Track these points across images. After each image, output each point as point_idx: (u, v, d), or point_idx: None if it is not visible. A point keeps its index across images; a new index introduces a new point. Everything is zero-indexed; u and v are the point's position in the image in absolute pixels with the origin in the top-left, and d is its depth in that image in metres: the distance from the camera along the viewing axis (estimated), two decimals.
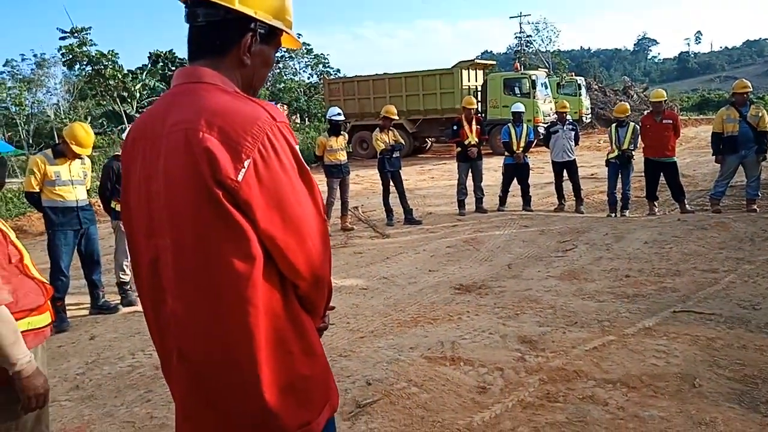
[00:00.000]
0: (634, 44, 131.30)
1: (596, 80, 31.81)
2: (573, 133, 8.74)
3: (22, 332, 1.85)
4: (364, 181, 13.34)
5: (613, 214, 8.25)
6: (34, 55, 34.64)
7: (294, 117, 35.89)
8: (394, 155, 8.31)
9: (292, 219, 1.20)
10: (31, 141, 28.17)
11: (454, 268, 5.95)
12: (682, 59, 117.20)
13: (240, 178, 1.14)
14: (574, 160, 8.81)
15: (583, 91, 23.46)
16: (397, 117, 8.62)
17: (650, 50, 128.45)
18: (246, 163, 1.14)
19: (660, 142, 7.89)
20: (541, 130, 15.96)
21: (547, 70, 25.86)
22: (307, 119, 36.53)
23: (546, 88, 19.23)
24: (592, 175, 12.13)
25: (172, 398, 1.35)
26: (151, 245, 1.25)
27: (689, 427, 2.72)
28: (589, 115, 24.25)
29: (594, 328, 4.02)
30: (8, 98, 28.96)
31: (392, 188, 8.36)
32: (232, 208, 1.15)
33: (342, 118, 8.31)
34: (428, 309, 4.66)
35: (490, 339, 3.96)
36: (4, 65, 36.50)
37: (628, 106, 8.71)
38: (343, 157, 8.06)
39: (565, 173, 8.83)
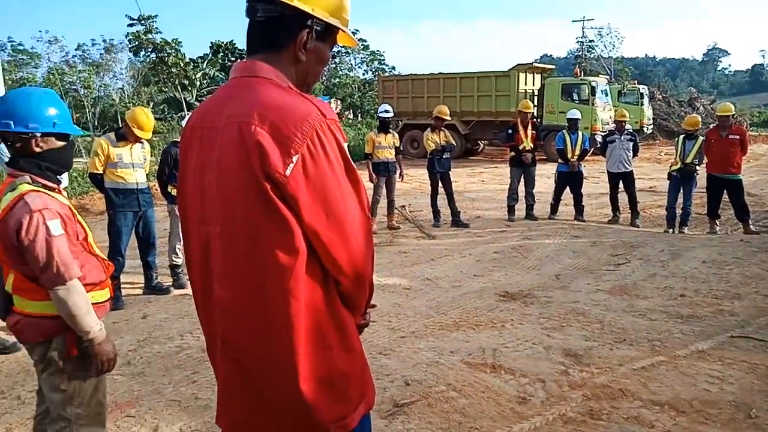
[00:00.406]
0: (704, 54, 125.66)
1: (660, 90, 30.62)
2: (631, 143, 8.44)
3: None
4: (413, 180, 13.30)
5: (671, 230, 7.93)
6: (104, 41, 36.40)
7: (347, 113, 36.22)
8: (444, 156, 8.24)
9: (336, 215, 1.21)
10: (96, 123, 29.46)
11: (499, 274, 5.86)
12: (755, 72, 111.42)
13: (288, 172, 1.16)
14: (631, 171, 8.51)
15: (646, 100, 22.65)
16: (449, 117, 8.55)
17: (720, 61, 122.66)
18: (294, 158, 1.16)
19: (725, 158, 7.54)
20: (598, 139, 15.58)
21: (608, 77, 25.12)
22: (359, 115, 36.81)
23: (606, 95, 18.68)
24: (651, 188, 11.71)
25: (216, 381, 1.38)
26: (202, 232, 1.29)
27: None
28: (651, 126, 23.40)
29: (643, 347, 3.87)
30: (78, 81, 30.42)
31: (441, 189, 8.31)
32: (279, 202, 1.17)
33: (390, 115, 8.25)
34: (471, 314, 4.61)
35: (533, 349, 3.88)
36: (76, 49, 38.43)
37: (700, 119, 8.35)
38: (390, 155, 8.04)
39: (621, 185, 8.55)
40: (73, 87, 30.42)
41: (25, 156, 2.01)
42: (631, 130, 8.86)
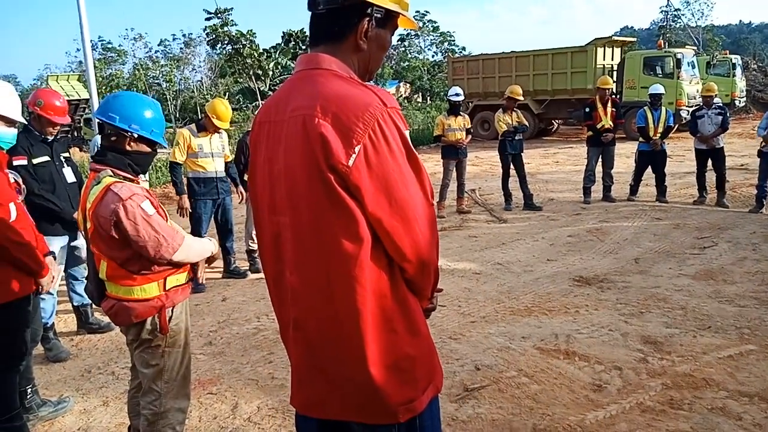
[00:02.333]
0: None
1: (756, 59, 28.28)
2: (721, 118, 7.86)
3: (172, 288, 2.23)
4: (484, 162, 13.09)
5: (763, 211, 7.36)
6: (183, 35, 38.12)
7: (416, 96, 35.99)
8: (516, 137, 8.04)
9: (399, 203, 1.22)
10: (177, 115, 30.92)
11: (574, 258, 5.69)
12: None
13: (351, 163, 1.18)
14: (722, 148, 7.92)
15: (738, 71, 20.99)
16: (522, 98, 8.30)
17: None
18: (357, 149, 1.18)
19: None
20: (684, 114, 14.62)
21: (695, 48, 23.43)
22: (429, 98, 36.51)
23: (693, 67, 17.44)
24: (742, 165, 10.90)
25: (290, 362, 1.45)
26: (273, 221, 1.34)
27: None
28: (744, 99, 21.68)
29: (731, 335, 3.66)
30: (160, 75, 32.03)
31: (512, 171, 8.13)
32: (343, 192, 1.19)
33: (461, 98, 8.10)
34: (544, 299, 4.52)
35: (609, 336, 3.76)
36: (158, 45, 40.42)
37: None
38: (461, 137, 7.93)
39: (709, 163, 8.00)
40: (156, 81, 32.07)
41: (114, 151, 2.18)
42: (720, 104, 8.24)
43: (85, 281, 2.76)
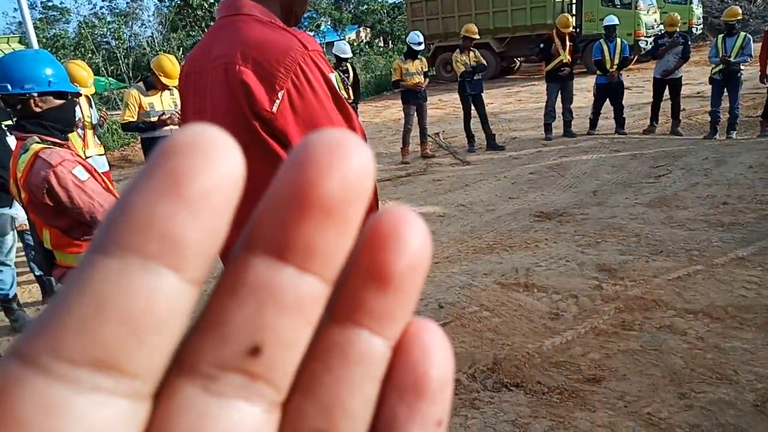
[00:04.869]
0: None
1: None
2: (681, 47, 7.86)
3: None
4: (447, 105, 13.04)
5: (716, 136, 7.56)
6: None
7: (377, 40, 35.19)
8: (475, 77, 8.00)
9: None
10: (131, 74, 29.63)
11: (535, 195, 5.81)
12: None
13: (275, 109, 1.18)
14: (680, 78, 8.00)
15: None
16: (477, 36, 8.19)
17: None
18: (280, 94, 1.18)
19: None
20: (643, 45, 14.66)
21: None
22: (390, 42, 35.72)
23: None
24: (699, 93, 11.10)
25: None
26: None
27: None
28: (701, 26, 21.80)
29: (680, 258, 3.83)
30: (108, 33, 30.50)
31: (474, 113, 8.13)
32: (269, 139, 1.20)
33: (422, 47, 7.92)
34: (505, 236, 4.63)
35: (566, 266, 3.90)
36: (103, 0, 38.24)
37: (740, 10, 7.67)
38: (420, 80, 7.84)
39: (666, 92, 8.10)
40: (105, 39, 30.55)
41: (27, 117, 2.09)
42: (680, 33, 8.22)
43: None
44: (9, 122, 3.85)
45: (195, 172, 0.15)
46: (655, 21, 16.08)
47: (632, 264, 3.82)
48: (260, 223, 0.17)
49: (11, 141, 3.74)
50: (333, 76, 1.26)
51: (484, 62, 8.28)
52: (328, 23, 35.97)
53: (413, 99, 7.84)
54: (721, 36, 7.47)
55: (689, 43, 8.02)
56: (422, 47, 7.91)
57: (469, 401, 2.61)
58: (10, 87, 2.04)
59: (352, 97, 7.71)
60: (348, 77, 7.59)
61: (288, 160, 0.17)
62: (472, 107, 8.09)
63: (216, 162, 0.15)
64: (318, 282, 0.16)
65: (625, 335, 2.98)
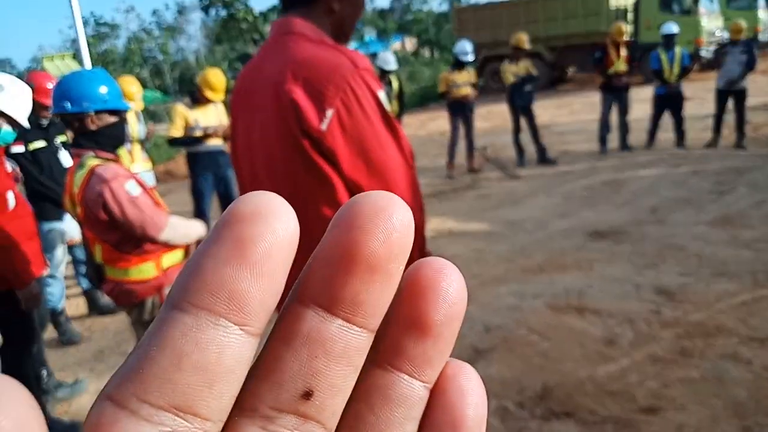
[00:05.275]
0: None
1: None
2: (746, 56, 7.45)
3: (170, 267, 2.25)
4: (496, 117, 12.85)
5: None
6: (176, 3, 37.49)
7: (422, 50, 35.19)
8: (525, 88, 7.83)
9: (376, 165, 1.21)
10: (177, 88, 30.62)
11: (589, 212, 5.61)
12: None
13: (324, 127, 1.17)
14: (745, 88, 7.54)
15: (762, 2, 20.02)
16: (527, 46, 8.04)
17: None
18: (329, 113, 1.17)
19: None
20: (704, 54, 14.05)
21: None
22: (437, 52, 35.67)
23: (711, 2, 16.69)
24: (765, 104, 10.52)
25: None
26: (255, 190, 1.34)
27: None
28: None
29: (745, 281, 3.60)
30: (156, 47, 31.74)
31: (524, 125, 7.96)
32: (318, 157, 1.19)
33: (471, 59, 7.82)
34: (556, 256, 4.48)
35: (622, 289, 3.73)
36: (152, 15, 39.92)
37: None
38: (467, 92, 7.73)
39: (730, 104, 7.69)
40: (152, 54, 31.81)
41: (84, 134, 2.17)
42: (744, 41, 7.80)
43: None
44: (63, 137, 4.01)
45: (257, 237, 0.17)
46: (718, 28, 15.39)
47: (693, 287, 3.61)
48: (311, 278, 0.19)
49: (63, 156, 3.89)
50: (382, 94, 1.24)
51: (535, 72, 8.11)
52: (373, 33, 36.29)
53: (460, 111, 7.75)
54: None
55: (755, 50, 7.59)
56: (471, 58, 7.80)
57: (516, 430, 2.51)
58: (69, 106, 2.13)
59: (397, 110, 7.70)
60: (392, 89, 7.60)
61: (335, 219, 0.19)
62: (522, 119, 7.93)
63: (275, 227, 0.18)
64: (363, 332, 0.19)
65: (684, 363, 2.81)
